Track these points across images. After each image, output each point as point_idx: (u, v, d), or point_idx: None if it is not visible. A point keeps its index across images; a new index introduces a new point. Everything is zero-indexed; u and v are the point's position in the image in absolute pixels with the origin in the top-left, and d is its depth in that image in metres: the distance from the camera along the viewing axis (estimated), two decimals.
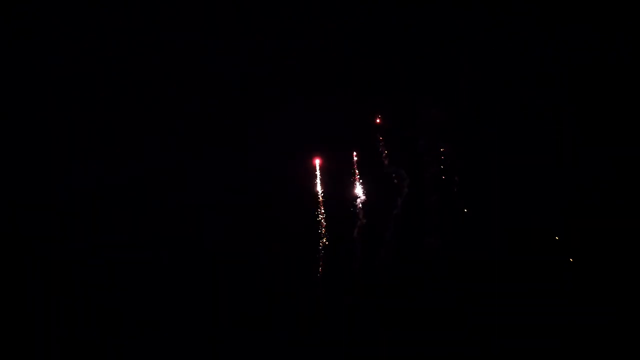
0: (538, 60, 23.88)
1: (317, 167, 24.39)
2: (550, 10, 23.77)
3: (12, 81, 23.71)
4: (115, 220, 23.95)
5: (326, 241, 24.29)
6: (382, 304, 23.78)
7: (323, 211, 24.39)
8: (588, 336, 22.47)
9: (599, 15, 23.50)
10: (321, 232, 24.30)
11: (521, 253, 23.58)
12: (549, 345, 22.71)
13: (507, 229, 23.77)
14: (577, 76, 23.69)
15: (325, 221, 24.33)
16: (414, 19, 24.22)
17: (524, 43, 23.90)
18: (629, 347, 22.22)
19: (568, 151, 23.63)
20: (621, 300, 22.63)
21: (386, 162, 24.40)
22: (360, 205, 24.29)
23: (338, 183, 24.43)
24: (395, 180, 24.24)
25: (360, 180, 24.42)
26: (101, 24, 24.07)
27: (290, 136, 24.22)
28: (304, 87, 24.36)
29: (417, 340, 23.04)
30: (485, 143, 24.15)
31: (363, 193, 24.37)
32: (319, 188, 24.42)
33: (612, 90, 23.53)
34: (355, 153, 24.46)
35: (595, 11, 23.52)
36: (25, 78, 23.74)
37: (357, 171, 24.45)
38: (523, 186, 23.83)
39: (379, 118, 24.45)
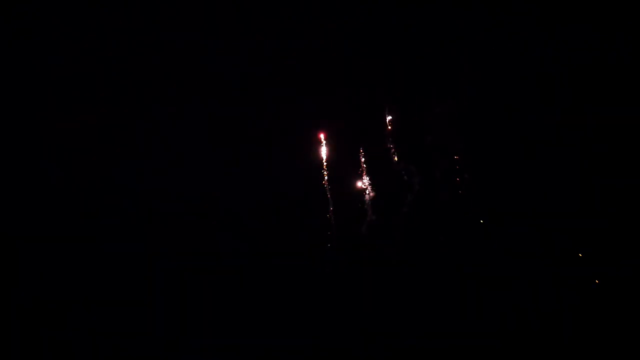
0: (538, 60, 23.90)
1: (323, 166, 24.44)
2: (550, 10, 23.78)
3: (12, 81, 23.70)
4: (114, 221, 23.93)
5: (333, 239, 24.30)
6: (388, 300, 23.78)
7: (330, 209, 24.41)
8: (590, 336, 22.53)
9: (599, 15, 23.52)
10: (328, 230, 24.31)
11: (527, 254, 23.59)
12: (550, 345, 22.76)
13: (512, 229, 23.80)
14: (577, 76, 23.70)
15: (332, 219, 24.36)
16: (414, 19, 24.24)
17: (524, 43, 23.91)
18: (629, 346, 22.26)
19: (568, 152, 23.66)
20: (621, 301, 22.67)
21: (392, 160, 24.44)
22: (369, 203, 24.32)
23: (342, 182, 24.50)
24: (405, 177, 24.29)
25: (367, 178, 24.46)
26: (101, 24, 24.07)
27: (291, 135, 24.28)
28: (304, 87, 24.38)
29: (420, 340, 23.08)
30: (484, 143, 24.19)
31: (370, 190, 24.41)
32: (324, 186, 24.47)
33: (612, 90, 23.54)
34: (360, 151, 24.53)
35: (595, 11, 23.53)
36: (25, 78, 23.73)
37: (363, 169, 24.48)
38: (523, 185, 23.86)
39: (381, 118, 24.51)
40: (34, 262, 23.03)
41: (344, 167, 24.55)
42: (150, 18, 24.22)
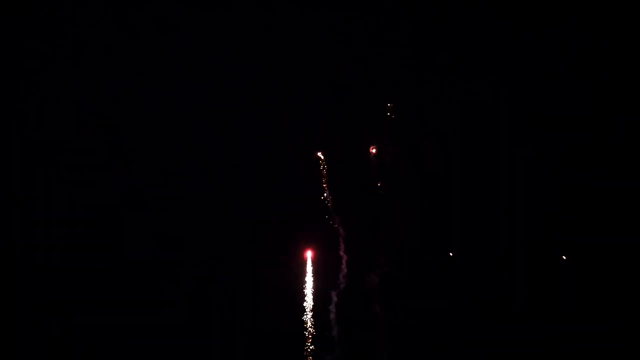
0: (538, 60, 23.97)
1: (322, 166, 24.58)
2: (550, 11, 23.87)
3: (11, 81, 23.66)
4: (113, 223, 23.91)
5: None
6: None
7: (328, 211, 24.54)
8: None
9: (599, 15, 23.60)
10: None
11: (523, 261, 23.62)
12: (548, 346, 22.82)
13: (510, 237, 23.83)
14: (577, 76, 23.77)
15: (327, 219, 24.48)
16: (414, 19, 24.34)
17: (524, 43, 23.98)
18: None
19: (568, 152, 23.71)
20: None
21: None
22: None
23: (339, 183, 24.64)
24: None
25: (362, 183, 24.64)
26: (101, 24, 24.07)
27: (291, 134, 24.38)
28: (303, 86, 24.45)
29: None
30: (483, 146, 24.25)
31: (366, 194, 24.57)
32: (323, 184, 24.60)
33: (612, 90, 23.61)
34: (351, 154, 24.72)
35: (595, 11, 23.62)
36: (25, 78, 23.70)
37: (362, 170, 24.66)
38: (523, 185, 23.90)
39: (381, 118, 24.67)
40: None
41: (343, 167, 24.76)
42: (151, 18, 24.23)
